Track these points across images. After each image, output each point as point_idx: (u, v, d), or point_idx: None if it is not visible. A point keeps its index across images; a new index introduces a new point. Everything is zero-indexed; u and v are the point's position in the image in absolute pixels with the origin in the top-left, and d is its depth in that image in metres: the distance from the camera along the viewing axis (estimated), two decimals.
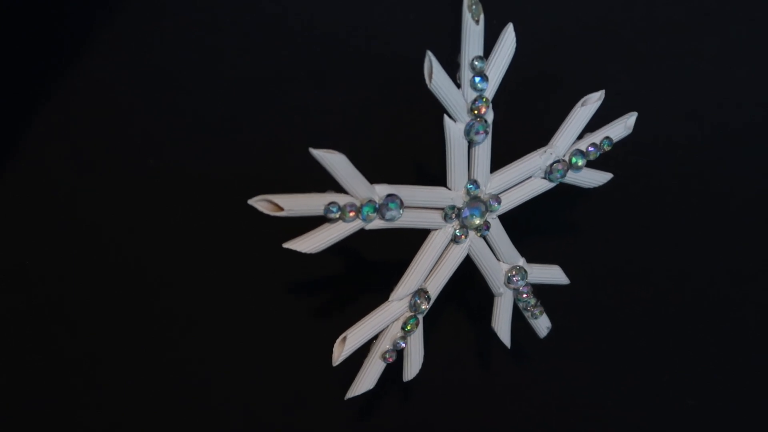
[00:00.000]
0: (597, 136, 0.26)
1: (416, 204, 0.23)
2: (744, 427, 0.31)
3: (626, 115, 0.26)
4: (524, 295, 0.27)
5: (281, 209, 0.20)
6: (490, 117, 0.23)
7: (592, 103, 0.25)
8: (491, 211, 0.25)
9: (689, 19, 0.31)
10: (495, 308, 0.27)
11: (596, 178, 0.27)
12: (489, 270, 0.26)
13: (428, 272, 0.24)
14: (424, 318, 0.25)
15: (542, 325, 0.28)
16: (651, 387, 0.31)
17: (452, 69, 0.23)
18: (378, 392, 0.26)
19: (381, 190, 0.22)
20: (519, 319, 0.28)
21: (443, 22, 0.29)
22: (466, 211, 0.24)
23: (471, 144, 0.24)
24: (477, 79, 0.23)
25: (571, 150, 0.25)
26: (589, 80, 0.30)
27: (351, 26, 0.30)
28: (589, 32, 0.31)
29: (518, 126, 0.29)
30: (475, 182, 0.24)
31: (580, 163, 0.25)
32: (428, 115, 0.29)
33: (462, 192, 0.24)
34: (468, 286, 0.28)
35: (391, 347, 0.24)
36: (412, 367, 0.25)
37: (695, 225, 0.31)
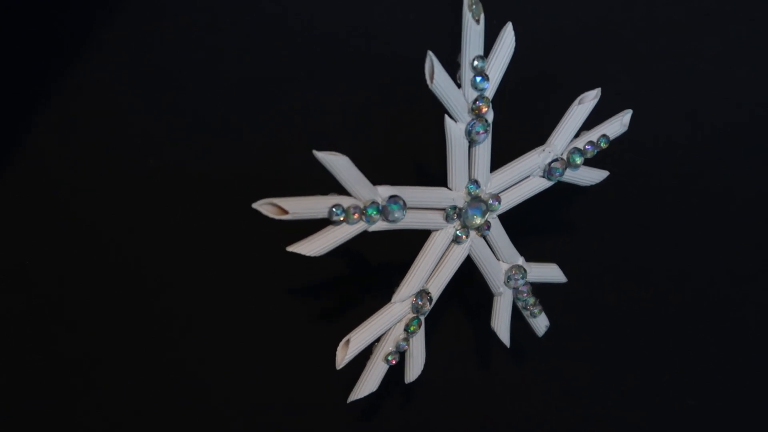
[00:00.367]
0: (594, 134, 0.26)
1: (418, 205, 0.23)
2: (744, 427, 0.31)
3: (622, 113, 0.26)
4: (523, 294, 0.27)
5: (285, 212, 0.20)
6: (490, 116, 0.23)
7: (588, 101, 0.25)
8: (492, 211, 0.25)
9: (689, 19, 0.31)
10: (494, 308, 0.27)
11: (593, 176, 0.27)
12: (489, 270, 0.26)
13: (430, 273, 0.24)
14: (424, 319, 0.25)
15: (541, 323, 0.28)
16: (651, 387, 0.31)
17: (452, 69, 0.23)
18: (379, 393, 0.26)
19: (384, 192, 0.22)
20: (518, 319, 0.28)
21: (443, 22, 0.29)
22: (468, 211, 0.24)
23: (471, 144, 0.24)
24: (478, 78, 0.23)
25: (569, 148, 0.25)
26: (589, 80, 0.30)
27: (351, 26, 0.30)
28: (589, 32, 0.31)
29: (518, 126, 0.29)
30: (475, 182, 0.24)
31: (579, 161, 0.25)
32: (428, 115, 0.29)
33: (463, 192, 0.24)
34: (466, 286, 0.28)
35: (394, 349, 0.24)
36: (414, 369, 0.25)
37: (695, 225, 0.31)
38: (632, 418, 0.30)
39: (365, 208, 0.22)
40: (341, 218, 0.21)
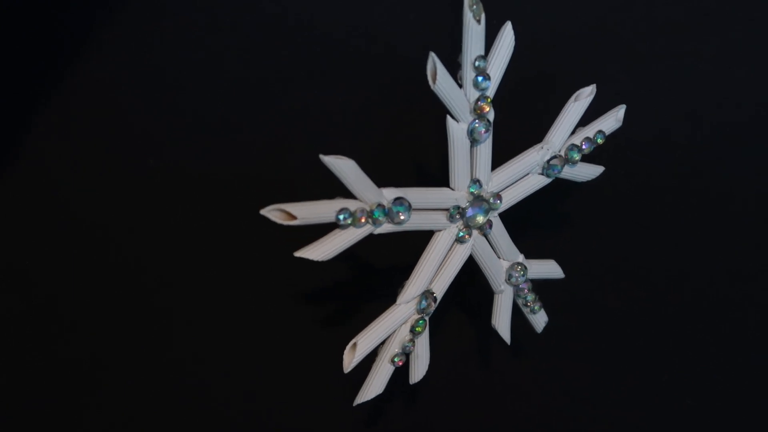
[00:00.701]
0: (590, 131, 0.26)
1: (422, 206, 0.23)
2: (744, 427, 0.31)
3: (616, 108, 0.27)
4: (524, 291, 0.27)
5: (293, 218, 0.20)
6: (491, 116, 0.24)
7: (584, 97, 0.26)
8: (493, 210, 0.25)
9: (689, 19, 0.31)
10: (495, 305, 0.27)
11: (589, 171, 0.27)
12: (490, 268, 0.26)
13: (434, 274, 0.24)
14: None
15: (540, 320, 0.28)
16: (651, 387, 0.31)
17: (452, 69, 0.23)
18: (381, 394, 0.25)
19: (389, 194, 0.22)
20: (518, 317, 0.28)
21: (443, 22, 0.29)
22: (471, 211, 0.24)
23: (473, 143, 0.24)
24: (480, 78, 0.23)
25: (566, 145, 0.26)
26: (588, 80, 0.30)
27: (351, 26, 0.30)
28: (589, 32, 0.31)
29: (519, 126, 0.29)
30: (477, 182, 0.24)
31: (576, 157, 0.26)
32: (428, 115, 0.29)
33: (465, 192, 0.24)
34: (465, 284, 0.28)
35: (400, 351, 0.24)
36: (418, 370, 0.25)
37: (695, 225, 0.31)
38: (632, 418, 0.30)
39: (371, 211, 0.21)
40: (348, 222, 0.21)
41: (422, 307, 0.24)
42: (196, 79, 0.29)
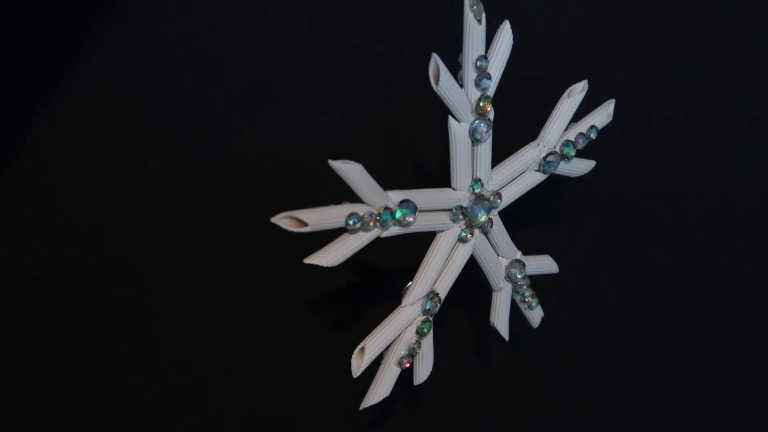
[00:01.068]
0: (583, 126, 0.26)
1: (426, 207, 0.23)
2: (744, 427, 0.31)
3: (606, 103, 0.27)
4: (522, 288, 0.27)
5: (304, 225, 0.20)
6: (491, 115, 0.24)
7: (577, 93, 0.26)
8: (494, 208, 0.25)
9: (689, 19, 0.31)
10: (494, 303, 0.27)
11: (582, 166, 0.27)
12: (490, 266, 0.26)
13: (438, 274, 0.24)
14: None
15: (537, 315, 0.28)
16: (651, 387, 0.31)
17: (452, 69, 0.23)
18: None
19: (395, 197, 0.22)
20: (516, 315, 0.28)
21: (443, 22, 0.29)
22: (473, 210, 0.24)
23: (474, 143, 0.24)
24: (481, 78, 0.23)
25: (561, 141, 0.26)
26: (588, 80, 0.30)
27: (351, 26, 0.30)
28: (589, 32, 0.31)
29: (519, 126, 0.29)
30: (478, 181, 0.24)
31: (572, 153, 0.26)
32: (428, 115, 0.29)
33: (467, 191, 0.24)
34: (461, 282, 0.28)
35: (407, 352, 0.24)
36: (423, 371, 0.25)
37: (695, 225, 0.31)
38: (632, 418, 0.30)
39: (379, 214, 0.21)
40: (357, 226, 0.21)
41: (428, 308, 0.24)
42: (196, 79, 0.29)
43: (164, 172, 0.28)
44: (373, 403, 0.24)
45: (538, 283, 0.28)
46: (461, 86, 0.23)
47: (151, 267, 0.28)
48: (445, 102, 0.22)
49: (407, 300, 0.24)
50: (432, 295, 0.24)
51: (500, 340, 0.27)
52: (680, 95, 0.31)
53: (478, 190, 0.24)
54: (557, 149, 0.26)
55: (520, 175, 0.26)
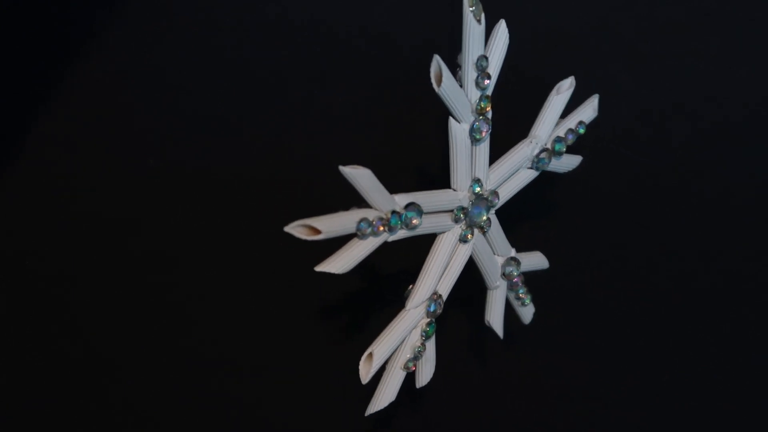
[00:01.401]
0: (571, 122, 0.26)
1: (430, 209, 0.23)
2: (744, 427, 0.31)
3: (591, 98, 0.27)
4: (517, 285, 0.27)
5: (317, 232, 0.20)
6: (490, 114, 0.24)
7: (565, 90, 0.26)
8: (492, 207, 0.25)
9: (689, 19, 0.31)
10: (488, 301, 0.26)
11: (570, 162, 0.27)
12: (488, 265, 0.26)
13: (440, 276, 0.24)
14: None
15: (529, 312, 0.28)
16: (651, 387, 0.31)
17: (452, 69, 0.23)
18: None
19: (400, 200, 0.22)
20: (512, 313, 0.28)
21: (443, 22, 0.29)
22: (473, 210, 0.24)
23: (473, 143, 0.24)
24: (482, 78, 0.23)
25: (552, 138, 0.26)
26: (589, 80, 0.30)
27: (351, 26, 0.30)
28: (589, 32, 0.31)
29: (520, 125, 0.29)
30: (478, 181, 0.24)
31: (563, 149, 0.26)
32: (428, 115, 0.29)
33: (468, 192, 0.24)
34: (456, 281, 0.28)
35: (412, 356, 0.24)
36: (425, 373, 0.25)
37: (695, 225, 0.31)
38: (632, 418, 0.30)
39: (388, 219, 0.21)
40: (368, 231, 0.21)
41: (432, 310, 0.24)
42: (196, 79, 0.29)
43: (164, 172, 0.28)
44: (379, 409, 0.24)
45: (538, 283, 0.28)
46: (461, 86, 0.23)
47: (151, 267, 0.28)
48: (446, 103, 0.22)
49: (411, 303, 0.24)
50: (435, 296, 0.24)
51: (497, 339, 0.27)
52: (680, 95, 0.31)
53: (478, 189, 0.24)
54: (549, 146, 0.26)
55: (515, 172, 0.26)
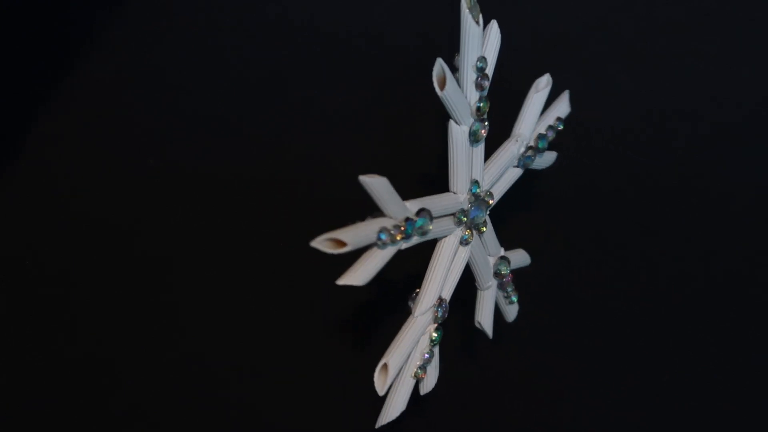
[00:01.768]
0: (549, 119, 0.26)
1: (437, 213, 0.23)
2: (744, 427, 0.31)
3: (563, 94, 0.27)
4: (508, 284, 0.27)
5: (343, 245, 0.20)
6: (486, 115, 0.24)
7: (543, 87, 0.26)
8: (488, 207, 0.25)
9: (689, 19, 0.31)
10: (479, 302, 0.26)
11: (548, 158, 0.27)
12: (481, 266, 0.26)
13: (444, 280, 0.24)
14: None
15: (514, 309, 0.28)
16: (651, 387, 0.31)
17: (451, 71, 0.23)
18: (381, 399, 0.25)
19: (412, 207, 0.22)
20: (521, 319, 0.28)
21: (443, 22, 0.29)
22: (474, 212, 0.24)
23: (471, 144, 0.24)
24: (481, 80, 0.23)
25: (534, 135, 0.26)
26: (589, 80, 0.30)
27: (351, 26, 0.30)
28: (589, 32, 0.31)
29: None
30: (476, 182, 0.24)
31: (545, 146, 0.26)
32: (428, 115, 0.29)
33: (467, 194, 0.24)
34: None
35: (421, 363, 0.24)
36: (430, 380, 0.25)
37: (695, 225, 0.31)
38: (632, 418, 0.30)
39: (404, 227, 0.21)
40: (388, 241, 0.21)
41: (439, 315, 0.24)
42: (196, 79, 0.29)
43: (164, 172, 0.28)
44: (390, 420, 0.24)
45: (539, 283, 0.28)
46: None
47: (151, 267, 0.28)
48: (447, 106, 0.22)
49: (419, 310, 0.23)
50: (440, 301, 0.24)
51: (486, 339, 0.27)
52: (680, 95, 0.31)
53: (477, 191, 0.24)
54: (533, 143, 0.26)
55: (504, 172, 0.26)
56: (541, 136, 0.26)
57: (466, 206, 0.24)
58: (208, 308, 0.28)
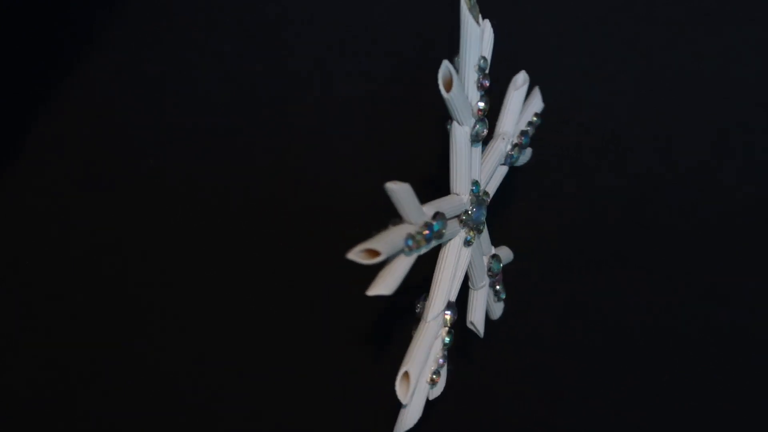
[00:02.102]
0: (527, 115, 0.26)
1: (447, 216, 0.23)
2: (744, 427, 0.31)
3: (534, 90, 0.27)
4: (498, 281, 0.27)
5: (377, 254, 0.19)
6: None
7: (521, 84, 0.26)
8: (486, 207, 0.25)
9: (689, 19, 0.31)
10: (471, 302, 0.26)
11: (527, 155, 0.27)
12: (477, 265, 0.25)
13: (452, 282, 0.24)
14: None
15: (500, 307, 0.28)
16: (651, 387, 0.31)
17: None
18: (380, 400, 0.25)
19: (428, 211, 0.21)
20: (519, 318, 0.28)
21: (443, 22, 0.29)
22: (476, 213, 0.24)
23: (472, 144, 0.24)
24: (482, 80, 0.23)
25: (517, 133, 0.26)
26: (589, 80, 0.30)
27: (351, 26, 0.30)
28: (589, 32, 0.31)
29: None
30: (476, 183, 0.24)
31: (528, 143, 0.26)
32: (428, 115, 0.29)
33: (469, 195, 0.24)
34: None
35: (435, 368, 0.24)
36: (440, 384, 0.25)
37: (695, 225, 0.31)
38: (632, 418, 0.30)
39: (426, 232, 0.21)
40: (414, 247, 0.20)
41: (449, 318, 0.24)
42: (196, 80, 0.29)
43: (164, 173, 0.28)
44: (408, 428, 0.23)
45: (540, 284, 0.28)
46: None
47: (151, 267, 0.28)
48: (451, 107, 0.22)
49: (431, 315, 0.23)
50: (451, 304, 0.24)
51: (478, 339, 0.27)
52: (680, 95, 0.31)
53: (478, 191, 0.24)
54: (517, 140, 0.26)
55: (495, 170, 0.26)
56: (523, 133, 0.26)
57: (469, 207, 0.24)
58: (208, 308, 0.28)
